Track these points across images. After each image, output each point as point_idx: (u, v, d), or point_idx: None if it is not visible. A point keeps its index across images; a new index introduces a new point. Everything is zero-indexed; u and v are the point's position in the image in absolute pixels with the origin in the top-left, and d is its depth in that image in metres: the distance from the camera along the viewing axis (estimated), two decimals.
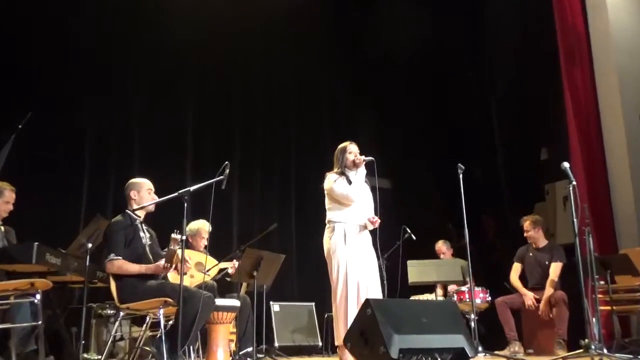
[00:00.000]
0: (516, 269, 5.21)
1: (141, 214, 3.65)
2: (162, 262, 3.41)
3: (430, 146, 6.67)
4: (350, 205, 3.58)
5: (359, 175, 3.62)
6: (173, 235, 3.23)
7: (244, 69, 6.33)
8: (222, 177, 3.22)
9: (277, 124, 6.52)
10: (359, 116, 6.78)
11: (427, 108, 6.79)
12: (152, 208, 3.64)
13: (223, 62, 6.10)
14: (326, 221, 3.68)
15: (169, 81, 5.82)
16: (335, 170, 3.70)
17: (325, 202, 3.71)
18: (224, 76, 6.20)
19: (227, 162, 3.19)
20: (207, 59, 5.99)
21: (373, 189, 3.79)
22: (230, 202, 5.96)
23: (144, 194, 3.63)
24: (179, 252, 3.19)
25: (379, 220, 3.54)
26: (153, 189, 3.63)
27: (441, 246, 5.92)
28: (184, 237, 3.21)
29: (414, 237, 5.07)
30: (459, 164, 4.07)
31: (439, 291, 5.59)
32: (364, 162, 3.63)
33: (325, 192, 3.68)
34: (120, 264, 3.43)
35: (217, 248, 4.80)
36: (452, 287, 5.54)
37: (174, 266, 3.32)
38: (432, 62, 6.78)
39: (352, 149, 3.73)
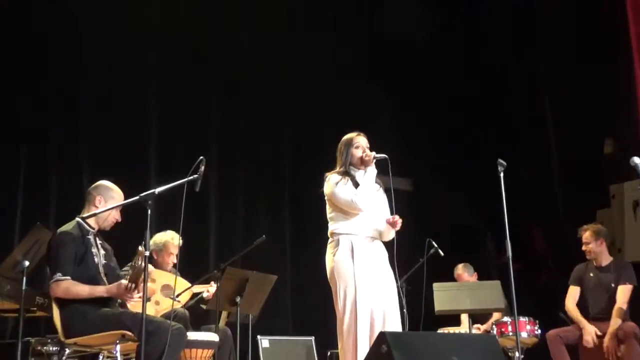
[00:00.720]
0: (573, 293, 5.18)
1: (94, 224, 3.62)
2: (123, 282, 3.38)
3: (460, 142, 6.71)
4: (358, 213, 3.60)
5: (368, 175, 3.62)
6: (140, 248, 3.21)
7: (226, 49, 6.42)
8: (195, 175, 3.21)
9: (266, 114, 6.55)
10: (369, 106, 6.80)
11: (458, 99, 6.86)
12: (110, 222, 3.62)
13: (202, 41, 6.26)
14: (328, 234, 3.68)
15: (130, 61, 5.97)
16: (338, 169, 3.68)
17: (326, 210, 3.73)
18: (201, 54, 6.28)
19: (202, 158, 3.18)
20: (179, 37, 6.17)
21: (387, 191, 3.78)
22: (207, 209, 5.91)
23: (111, 205, 3.61)
24: (149, 269, 3.18)
25: (400, 221, 3.51)
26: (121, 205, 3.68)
27: (462, 272, 5.86)
28: (147, 253, 3.12)
29: (441, 253, 5.06)
30: (499, 160, 3.96)
31: (471, 323, 5.32)
32: (375, 160, 3.61)
33: (326, 197, 3.70)
34: (68, 286, 3.37)
35: (190, 267, 4.82)
36: (491, 318, 5.55)
37: (138, 288, 3.30)
38: (465, 51, 6.92)
39: (359, 142, 3.69)
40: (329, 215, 3.72)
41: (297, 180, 6.35)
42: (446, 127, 6.81)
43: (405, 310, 3.63)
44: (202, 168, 3.22)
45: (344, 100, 6.72)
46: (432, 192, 6.53)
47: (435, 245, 5.09)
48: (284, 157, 6.58)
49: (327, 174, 3.70)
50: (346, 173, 3.66)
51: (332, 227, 3.66)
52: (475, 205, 6.30)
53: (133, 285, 3.30)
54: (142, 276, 3.16)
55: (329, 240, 3.69)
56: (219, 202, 6.08)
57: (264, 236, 4.66)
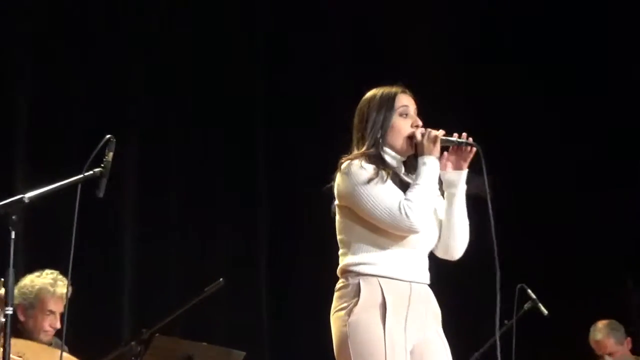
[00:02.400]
0: None
1: None
2: None
3: (573, 141, 6.16)
4: (408, 235, 2.93)
5: (431, 170, 2.96)
6: None
7: None
8: (97, 170, 2.86)
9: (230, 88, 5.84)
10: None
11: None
12: None
13: None
14: (339, 272, 2.95)
15: None
16: (363, 149, 3.00)
17: (338, 226, 3.05)
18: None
19: (109, 136, 2.88)
20: None
21: (473, 205, 3.08)
22: (121, 231, 5.49)
23: None
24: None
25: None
26: None
27: (604, 337, 5.26)
28: (9, 310, 2.93)
29: (544, 311, 4.55)
30: None
31: None
32: (448, 143, 3.00)
33: (338, 202, 3.00)
34: None
35: (89, 333, 4.55)
36: None
37: None
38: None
39: (403, 102, 3.02)
40: (341, 237, 2.98)
41: (281, 196, 5.83)
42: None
43: None
44: (111, 156, 2.88)
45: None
46: (524, 205, 5.84)
47: (533, 296, 4.51)
48: (257, 161, 5.92)
49: (344, 158, 3.04)
50: (380, 158, 2.99)
51: (347, 259, 2.92)
52: (600, 231, 5.80)
53: None
54: None
55: (339, 285, 2.95)
56: (141, 218, 5.49)
57: (221, 279, 4.29)
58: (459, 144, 3.00)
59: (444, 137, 2.97)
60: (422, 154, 2.98)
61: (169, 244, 5.63)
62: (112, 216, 5.31)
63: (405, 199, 2.93)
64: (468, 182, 3.18)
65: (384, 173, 2.99)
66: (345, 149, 3.05)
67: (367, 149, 3.04)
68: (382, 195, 2.96)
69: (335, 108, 4.84)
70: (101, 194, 2.89)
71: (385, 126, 3.05)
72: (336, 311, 3.01)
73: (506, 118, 6.36)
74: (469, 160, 3.03)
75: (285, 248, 5.97)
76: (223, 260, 5.64)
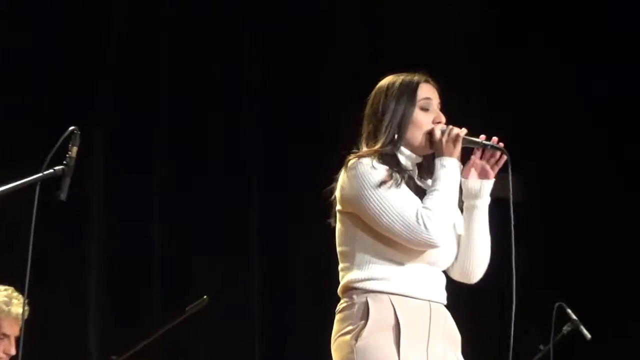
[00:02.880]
0: None
1: None
2: None
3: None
4: (425, 249, 2.93)
5: (452, 174, 2.97)
6: None
7: None
8: (59, 168, 2.85)
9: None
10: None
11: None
12: None
13: None
14: (339, 291, 2.92)
15: None
16: (375, 147, 2.96)
17: (339, 237, 2.99)
18: None
19: (72, 128, 2.88)
20: None
21: (496, 211, 3.06)
22: (87, 241, 5.28)
23: None
24: None
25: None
26: None
27: None
28: None
29: (587, 335, 4.42)
30: None
31: None
32: (471, 145, 3.02)
33: (340, 207, 2.95)
34: None
35: (50, 358, 4.55)
36: None
37: None
38: None
39: (426, 94, 3.01)
40: (343, 249, 2.93)
41: (274, 204, 5.63)
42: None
43: None
44: (75, 151, 2.85)
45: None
46: (564, 202, 5.59)
47: (574, 317, 4.36)
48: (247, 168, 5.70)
49: (351, 156, 2.97)
50: (394, 159, 2.95)
51: (352, 274, 2.88)
52: None
53: None
54: None
55: (342, 305, 2.91)
56: (108, 225, 5.25)
57: (205, 297, 4.20)
58: (485, 146, 2.85)
59: (467, 137, 2.81)
60: (441, 155, 2.84)
61: (145, 251, 5.41)
62: (76, 220, 5.09)
63: (424, 207, 2.76)
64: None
65: (398, 176, 2.83)
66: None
67: (382, 146, 2.88)
68: (397, 202, 2.80)
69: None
70: (64, 196, 2.70)
71: (404, 121, 2.90)
72: (339, 336, 2.83)
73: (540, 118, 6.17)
74: (497, 169, 2.90)
75: (281, 258, 5.75)
76: (207, 275, 5.45)
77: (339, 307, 2.86)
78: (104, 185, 5.39)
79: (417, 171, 2.91)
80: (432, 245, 2.77)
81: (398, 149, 2.88)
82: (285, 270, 5.60)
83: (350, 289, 2.82)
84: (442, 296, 2.90)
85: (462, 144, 2.83)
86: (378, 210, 2.79)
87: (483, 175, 2.90)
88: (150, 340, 4.24)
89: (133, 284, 5.34)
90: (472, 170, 2.91)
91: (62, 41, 5.59)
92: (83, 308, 5.16)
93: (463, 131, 2.82)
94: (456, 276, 3.01)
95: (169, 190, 5.60)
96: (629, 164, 5.81)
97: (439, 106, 2.94)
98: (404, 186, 2.81)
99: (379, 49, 6.21)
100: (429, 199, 2.79)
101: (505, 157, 2.86)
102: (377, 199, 2.80)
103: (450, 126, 2.84)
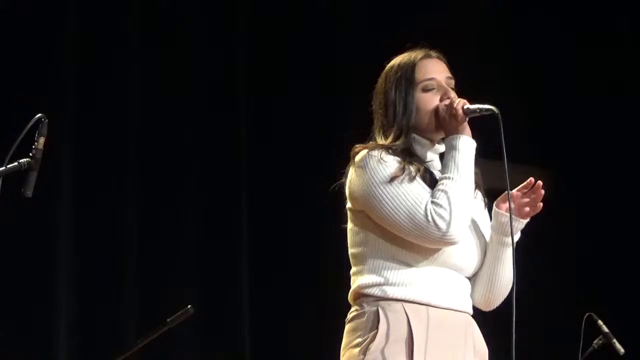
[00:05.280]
0: None
1: None
2: None
3: None
4: (442, 247, 2.88)
5: (463, 155, 2.95)
6: None
7: None
8: (24, 161, 2.86)
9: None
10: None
11: None
12: None
13: None
14: (350, 297, 2.97)
15: None
16: (382, 140, 3.01)
17: (350, 237, 3.02)
18: None
19: (40, 116, 2.83)
20: None
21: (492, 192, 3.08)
22: (53, 244, 5.05)
23: None
24: None
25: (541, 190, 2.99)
26: None
27: None
28: None
29: (620, 349, 4.28)
30: None
31: None
32: (471, 115, 2.94)
33: (350, 205, 2.99)
34: None
35: None
36: None
37: None
38: None
39: (426, 72, 3.04)
40: (354, 251, 2.97)
41: (267, 204, 5.44)
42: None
43: None
44: (42, 142, 2.87)
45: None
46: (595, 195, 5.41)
47: (605, 329, 4.26)
48: (240, 165, 5.56)
49: (357, 147, 2.99)
50: (407, 152, 2.95)
51: (363, 279, 2.94)
52: None
53: None
54: None
55: (352, 314, 2.94)
56: (77, 231, 5.02)
57: (189, 307, 4.03)
58: (481, 111, 2.80)
59: (468, 108, 2.76)
60: (448, 134, 2.83)
61: (121, 253, 5.20)
62: (43, 220, 4.87)
63: (433, 201, 2.73)
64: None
65: (412, 169, 2.81)
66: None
67: (393, 141, 2.90)
68: (406, 197, 2.79)
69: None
70: (29, 193, 2.68)
71: (408, 109, 2.89)
72: (348, 348, 2.83)
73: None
74: (537, 209, 2.90)
75: (273, 262, 5.52)
76: (192, 282, 5.29)
77: (349, 316, 2.87)
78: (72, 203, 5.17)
79: (438, 161, 2.90)
80: (449, 242, 2.76)
81: (412, 139, 2.87)
82: (276, 281, 5.46)
83: (360, 295, 2.82)
84: (468, 305, 2.87)
85: (467, 115, 2.78)
86: (387, 209, 2.76)
87: (519, 213, 2.92)
88: (127, 355, 4.05)
89: (108, 292, 5.16)
90: (504, 205, 2.89)
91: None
92: (52, 319, 4.96)
93: (460, 103, 2.77)
94: (475, 302, 3.00)
95: (146, 200, 5.39)
96: None
97: (449, 78, 2.93)
98: (417, 180, 2.79)
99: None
100: (438, 191, 2.76)
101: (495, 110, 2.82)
102: (387, 197, 2.76)
103: (449, 100, 2.83)
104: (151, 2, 5.74)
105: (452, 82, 2.84)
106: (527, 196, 2.87)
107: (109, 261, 5.19)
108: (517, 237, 2.92)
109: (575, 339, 4.28)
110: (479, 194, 2.97)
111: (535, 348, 3.80)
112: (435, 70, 2.87)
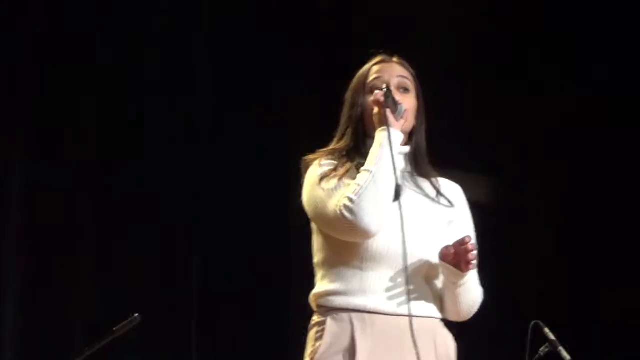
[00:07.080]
0: None
1: None
2: None
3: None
4: (359, 239, 2.87)
5: (378, 147, 2.95)
6: None
7: None
8: None
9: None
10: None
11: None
12: None
13: None
14: (311, 301, 3.00)
15: None
16: (335, 144, 3.07)
17: (314, 248, 3.04)
18: None
19: None
20: None
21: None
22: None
23: None
24: None
25: (475, 252, 2.84)
26: None
27: None
28: None
29: (566, 357, 4.22)
30: None
31: None
32: (386, 100, 2.90)
33: (309, 215, 3.00)
34: None
35: None
36: None
37: None
38: None
39: (376, 74, 3.07)
40: (314, 259, 3.01)
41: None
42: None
43: None
44: None
45: None
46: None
47: (552, 337, 4.21)
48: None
49: (305, 158, 3.04)
50: (357, 152, 3.00)
51: (316, 288, 2.97)
52: None
53: None
54: None
55: (311, 323, 2.96)
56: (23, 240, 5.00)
57: (137, 315, 3.81)
58: (387, 97, 2.76)
59: (382, 99, 2.74)
60: (376, 128, 2.80)
61: (65, 260, 5.09)
62: None
63: (344, 194, 2.73)
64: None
65: (343, 168, 2.85)
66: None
67: (338, 141, 2.93)
68: (322, 193, 2.82)
69: None
70: None
71: (358, 112, 2.90)
72: (304, 358, 2.86)
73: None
74: (468, 267, 2.78)
75: (224, 263, 5.37)
76: (140, 288, 5.14)
77: (310, 326, 2.89)
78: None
79: (406, 164, 2.88)
80: (362, 232, 2.71)
81: (361, 139, 2.88)
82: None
83: (316, 305, 2.84)
84: (427, 309, 2.82)
85: (383, 106, 2.76)
86: (311, 208, 2.81)
87: (457, 265, 2.82)
88: None
89: (52, 301, 5.08)
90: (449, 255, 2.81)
91: None
92: None
93: (376, 95, 2.76)
94: (445, 315, 2.98)
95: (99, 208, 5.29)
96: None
97: (402, 77, 2.93)
98: (345, 178, 2.79)
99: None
100: (352, 184, 2.76)
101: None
102: (311, 196, 2.82)
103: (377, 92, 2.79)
104: None
105: (406, 81, 2.84)
106: (461, 251, 2.81)
107: (56, 268, 5.13)
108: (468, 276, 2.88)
109: (521, 347, 4.19)
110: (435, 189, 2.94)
111: (480, 356, 3.81)
112: (384, 70, 2.89)
